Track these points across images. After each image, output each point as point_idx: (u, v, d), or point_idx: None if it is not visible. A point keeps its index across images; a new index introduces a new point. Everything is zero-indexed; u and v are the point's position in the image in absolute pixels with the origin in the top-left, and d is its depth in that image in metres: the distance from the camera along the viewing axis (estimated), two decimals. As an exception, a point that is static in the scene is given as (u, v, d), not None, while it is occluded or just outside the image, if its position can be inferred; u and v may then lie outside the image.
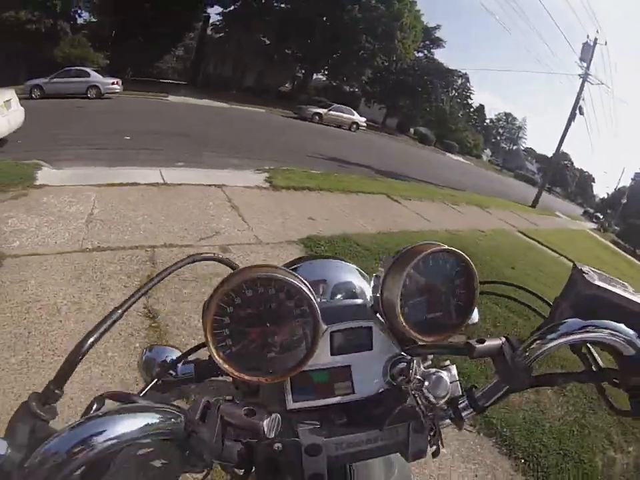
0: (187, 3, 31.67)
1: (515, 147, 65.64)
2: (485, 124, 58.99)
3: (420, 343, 0.62)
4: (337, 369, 0.60)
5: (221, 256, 0.75)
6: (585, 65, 21.30)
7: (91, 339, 0.51)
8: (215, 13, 35.67)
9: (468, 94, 48.07)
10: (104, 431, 0.39)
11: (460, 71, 43.47)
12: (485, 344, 0.57)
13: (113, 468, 0.43)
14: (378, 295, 0.63)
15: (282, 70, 36.95)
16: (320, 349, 0.57)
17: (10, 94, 8.54)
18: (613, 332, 0.51)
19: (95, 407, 0.47)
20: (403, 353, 0.61)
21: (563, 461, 2.43)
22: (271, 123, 19.03)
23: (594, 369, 0.60)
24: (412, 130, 40.92)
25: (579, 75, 21.52)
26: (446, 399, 0.59)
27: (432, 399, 0.57)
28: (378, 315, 0.64)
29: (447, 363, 0.68)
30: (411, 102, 37.74)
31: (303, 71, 37.98)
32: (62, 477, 0.37)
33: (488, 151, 57.09)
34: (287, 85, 40.17)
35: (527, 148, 69.56)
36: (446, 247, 0.60)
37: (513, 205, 15.15)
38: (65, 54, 25.14)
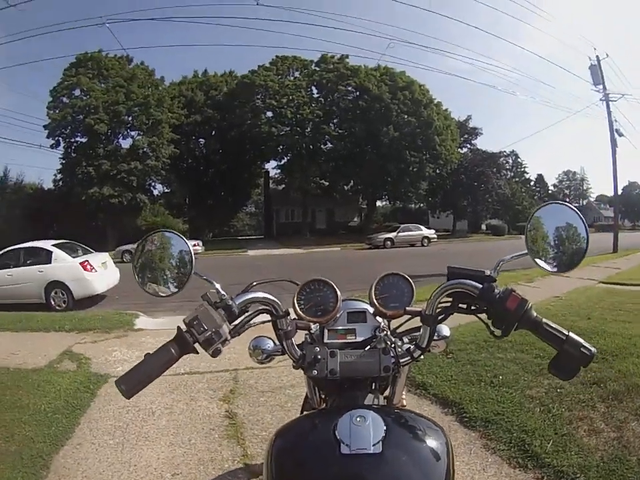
0: (245, 164, 34.94)
1: (585, 202, 62.49)
2: (550, 191, 57.54)
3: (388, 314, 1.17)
4: (349, 329, 1.15)
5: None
6: (600, 87, 20.85)
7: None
8: (271, 167, 38.76)
9: (522, 169, 47.89)
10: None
11: (505, 151, 43.74)
12: (412, 309, 1.09)
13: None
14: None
15: (347, 206, 38.86)
16: (342, 320, 1.18)
17: (105, 257, 10.38)
18: (463, 283, 0.98)
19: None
20: (381, 325, 1.16)
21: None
22: (347, 258, 20.26)
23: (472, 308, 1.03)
24: (483, 226, 40.56)
25: (600, 99, 21.08)
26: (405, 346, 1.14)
27: (397, 344, 1.10)
28: (369, 306, 1.22)
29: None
30: (472, 199, 37.88)
31: (366, 202, 39.14)
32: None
33: (562, 218, 54.22)
34: (355, 220, 41.70)
35: (599, 196, 66.12)
36: (395, 272, 1.25)
37: (592, 259, 14.36)
38: (147, 222, 28.18)
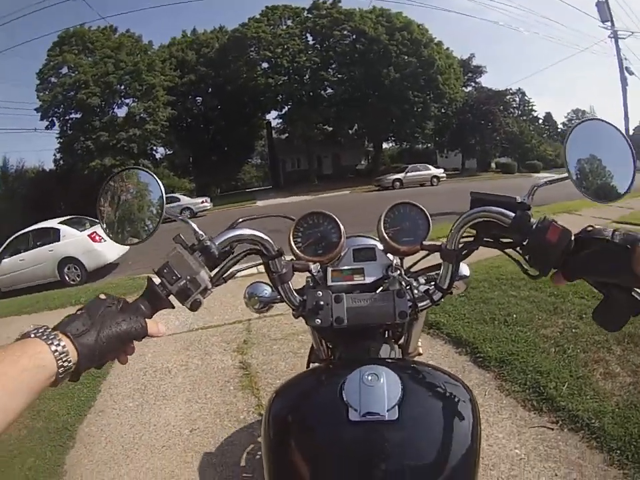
0: (246, 117, 34.72)
1: None
2: (559, 130, 55.81)
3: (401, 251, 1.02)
4: (356, 269, 1.01)
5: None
6: (608, 24, 20.13)
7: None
8: (273, 118, 38.38)
9: (530, 107, 46.66)
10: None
11: (511, 89, 42.43)
12: (430, 243, 0.92)
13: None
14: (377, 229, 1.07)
15: (353, 150, 38.51)
16: (347, 258, 1.05)
17: None
18: (490, 211, 0.78)
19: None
20: (394, 263, 1.01)
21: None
22: (356, 200, 20.09)
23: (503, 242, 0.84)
24: (493, 164, 39.86)
25: (609, 36, 20.42)
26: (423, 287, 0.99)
27: (414, 285, 0.98)
28: (378, 242, 1.09)
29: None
30: (480, 137, 37.07)
31: (372, 145, 38.97)
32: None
33: (574, 156, 53.34)
34: (362, 163, 41.41)
35: None
36: (407, 200, 1.08)
37: None
38: None
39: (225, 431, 2.53)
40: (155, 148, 33.10)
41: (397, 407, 0.68)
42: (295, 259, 1.01)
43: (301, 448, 0.73)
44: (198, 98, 35.77)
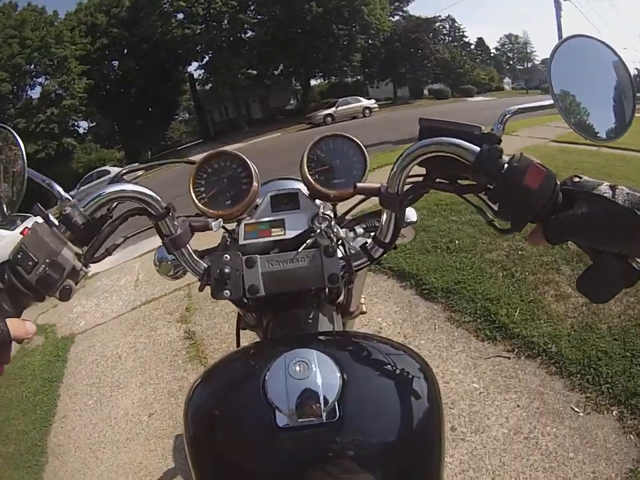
0: (166, 73, 33.59)
1: (529, 65, 62.18)
2: (492, 54, 56.25)
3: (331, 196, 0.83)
4: (275, 221, 0.82)
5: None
6: None
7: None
8: (194, 69, 37.68)
9: (461, 34, 46.57)
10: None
11: (440, 16, 42.39)
12: (366, 185, 0.73)
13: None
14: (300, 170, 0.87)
15: (280, 91, 37.76)
16: (264, 208, 0.85)
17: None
18: (446, 143, 0.59)
19: None
20: (321, 212, 0.81)
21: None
22: (289, 141, 19.56)
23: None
24: (426, 91, 40.02)
25: None
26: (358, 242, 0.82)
27: (348, 238, 0.84)
28: (302, 185, 0.88)
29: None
30: (410, 66, 37.02)
31: (300, 83, 38.39)
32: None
33: (508, 80, 54.34)
34: (292, 102, 40.87)
35: (544, 59, 65.28)
36: (337, 132, 0.88)
37: (542, 118, 14.49)
38: (83, 163, 27.71)
39: (181, 409, 2.44)
40: (76, 123, 31.66)
41: (335, 403, 0.54)
42: (198, 214, 0.83)
43: (223, 461, 0.59)
44: (114, 62, 33.77)
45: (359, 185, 0.72)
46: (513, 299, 2.63)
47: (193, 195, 0.83)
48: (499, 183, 0.56)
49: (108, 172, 19.97)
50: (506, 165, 0.55)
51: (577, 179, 0.55)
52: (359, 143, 0.87)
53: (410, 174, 0.66)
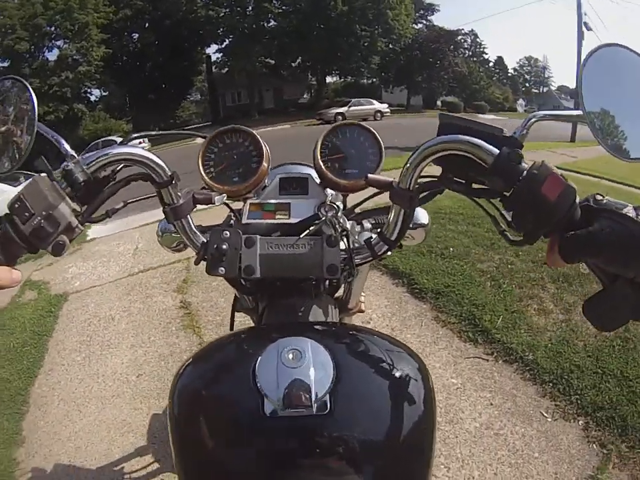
0: (184, 51, 33.44)
1: (545, 89, 62.10)
2: (509, 74, 56.07)
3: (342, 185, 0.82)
4: (281, 204, 0.80)
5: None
6: None
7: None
8: (213, 52, 37.06)
9: (481, 50, 46.16)
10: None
11: (463, 30, 42.13)
12: (378, 177, 0.70)
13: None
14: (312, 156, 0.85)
15: (295, 83, 37.60)
16: (271, 190, 0.83)
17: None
18: (465, 142, 0.56)
19: None
20: (329, 200, 0.75)
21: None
22: (298, 134, 19.56)
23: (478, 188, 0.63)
24: (439, 102, 39.85)
25: None
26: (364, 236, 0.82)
27: (354, 231, 0.81)
28: (314, 172, 0.86)
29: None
30: (427, 75, 36.97)
31: (316, 78, 38.18)
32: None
33: (521, 102, 54.29)
34: (305, 97, 40.59)
35: (560, 86, 64.63)
36: (356, 121, 0.87)
37: (549, 144, 14.59)
38: (90, 131, 27.46)
39: (170, 373, 2.53)
40: (89, 90, 31.47)
41: (327, 395, 0.53)
42: (204, 188, 0.82)
43: (204, 442, 0.57)
44: (134, 34, 33.54)
45: (370, 176, 0.70)
46: (497, 307, 2.76)
47: (201, 168, 0.82)
48: (515, 189, 0.53)
49: (114, 142, 19.86)
50: (525, 172, 0.52)
51: (599, 197, 0.52)
52: (377, 135, 0.85)
53: (423, 172, 0.64)
